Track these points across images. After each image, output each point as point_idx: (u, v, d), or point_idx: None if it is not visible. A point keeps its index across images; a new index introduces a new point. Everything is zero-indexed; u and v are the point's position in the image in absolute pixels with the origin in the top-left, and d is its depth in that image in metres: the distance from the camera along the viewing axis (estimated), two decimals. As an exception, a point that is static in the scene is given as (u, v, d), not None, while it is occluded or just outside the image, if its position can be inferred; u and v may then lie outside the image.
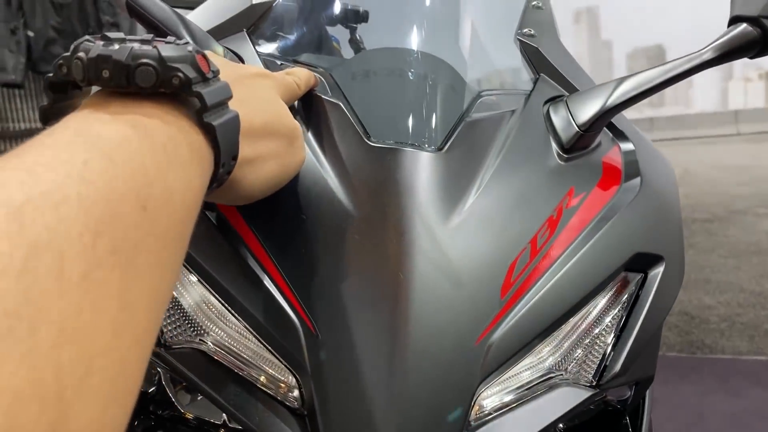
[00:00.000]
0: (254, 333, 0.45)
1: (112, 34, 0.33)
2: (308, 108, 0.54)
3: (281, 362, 0.45)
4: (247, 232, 0.47)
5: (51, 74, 0.33)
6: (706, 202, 5.72)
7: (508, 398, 0.47)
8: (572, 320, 0.50)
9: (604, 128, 0.61)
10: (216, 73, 0.35)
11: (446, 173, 0.49)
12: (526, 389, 0.47)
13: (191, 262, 0.46)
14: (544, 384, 0.48)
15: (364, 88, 0.58)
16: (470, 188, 0.50)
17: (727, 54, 0.53)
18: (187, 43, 0.34)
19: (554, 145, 0.57)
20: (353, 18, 0.74)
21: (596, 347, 0.51)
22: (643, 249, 0.54)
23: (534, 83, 0.63)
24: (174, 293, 0.47)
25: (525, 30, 0.68)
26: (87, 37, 0.33)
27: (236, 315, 0.46)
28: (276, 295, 0.45)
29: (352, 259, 0.45)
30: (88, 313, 0.22)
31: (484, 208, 0.49)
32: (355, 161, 0.49)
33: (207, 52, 0.36)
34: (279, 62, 0.61)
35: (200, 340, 0.47)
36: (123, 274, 0.24)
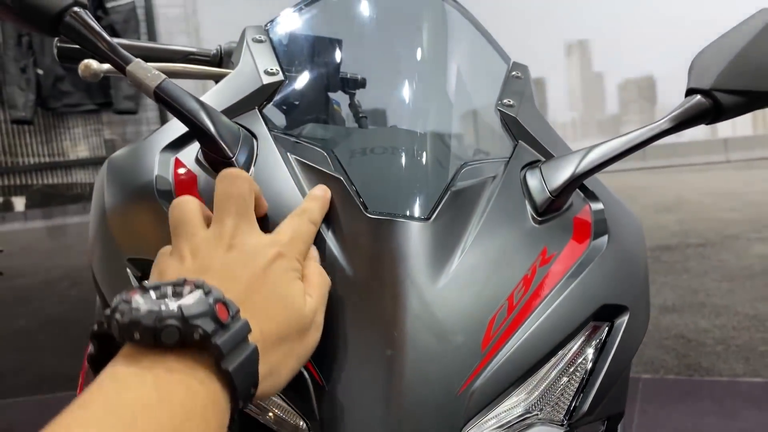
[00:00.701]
0: None
1: (148, 284, 0.39)
2: (312, 183, 0.60)
3: (293, 409, 0.51)
4: None
5: (96, 327, 0.39)
6: (699, 227, 5.78)
7: None
8: (545, 366, 0.55)
9: (577, 189, 0.67)
10: (236, 314, 0.39)
11: (433, 240, 0.55)
12: (505, 429, 0.53)
13: None
14: (521, 424, 0.54)
15: (362, 165, 0.63)
16: (455, 252, 0.56)
17: (683, 123, 0.59)
18: (210, 292, 0.38)
19: (529, 209, 0.62)
20: (352, 85, 0.82)
21: (567, 390, 0.56)
22: (609, 301, 0.59)
23: (513, 150, 0.69)
24: None
25: (505, 100, 0.75)
26: (122, 296, 0.38)
27: None
28: None
29: (354, 319, 0.51)
30: None
31: (467, 270, 0.55)
32: (354, 231, 0.55)
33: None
34: (290, 139, 0.67)
35: None
36: None
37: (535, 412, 0.54)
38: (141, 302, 0.37)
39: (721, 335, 3.05)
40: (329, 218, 0.57)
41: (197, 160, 0.63)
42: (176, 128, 0.66)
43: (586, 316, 0.57)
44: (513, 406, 0.54)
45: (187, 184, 0.61)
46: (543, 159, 0.69)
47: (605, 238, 0.64)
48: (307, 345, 0.47)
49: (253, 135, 0.64)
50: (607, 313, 0.60)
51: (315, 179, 0.60)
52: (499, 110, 0.74)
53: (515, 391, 0.54)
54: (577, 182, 0.62)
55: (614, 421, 0.62)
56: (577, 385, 0.57)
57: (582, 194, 0.69)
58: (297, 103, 0.76)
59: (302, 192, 0.59)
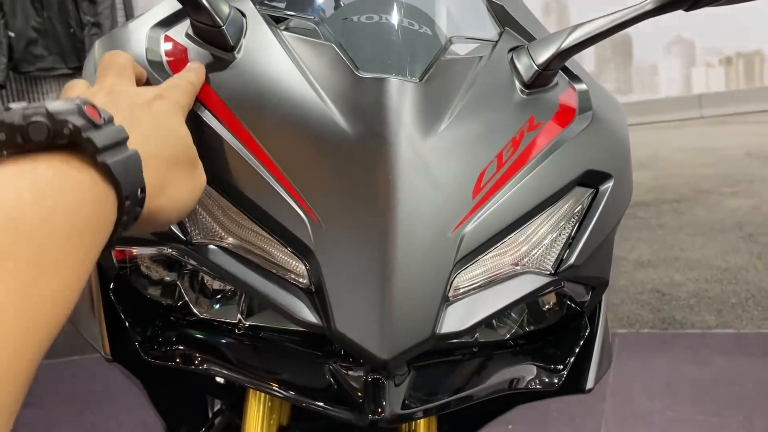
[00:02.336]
0: (268, 230, 0.53)
1: (13, 104, 0.36)
2: (303, 52, 0.60)
3: (292, 252, 0.53)
4: (257, 147, 0.54)
5: None
6: (674, 183, 5.79)
7: (479, 280, 0.55)
8: (534, 223, 0.58)
9: (561, 72, 0.68)
10: (108, 119, 0.38)
11: (425, 100, 0.56)
12: (494, 274, 0.56)
13: (214, 178, 0.54)
14: (511, 271, 0.57)
15: (353, 32, 0.64)
16: (445, 114, 0.57)
17: (664, 6, 0.59)
18: (76, 98, 0.37)
19: (517, 83, 0.63)
20: None
21: (554, 246, 0.59)
22: (594, 167, 0.61)
23: (500, 35, 0.70)
24: None
25: None
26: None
27: (251, 217, 0.54)
28: (285, 196, 0.52)
29: (347, 165, 0.53)
30: None
31: (456, 131, 0.56)
32: (348, 92, 0.56)
33: (100, 97, 0.45)
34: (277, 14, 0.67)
35: (220, 238, 0.55)
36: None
37: (523, 263, 0.57)
38: (12, 107, 0.35)
39: (694, 288, 3.06)
40: (323, 83, 0.57)
41: (187, 35, 0.62)
42: (162, 10, 0.66)
43: (571, 179, 0.59)
44: (503, 254, 0.56)
45: (177, 57, 0.61)
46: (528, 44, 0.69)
47: (590, 113, 0.65)
48: (197, 180, 0.48)
49: (242, 13, 0.63)
50: (592, 180, 0.62)
51: (306, 50, 0.60)
52: None
53: (505, 241, 0.56)
54: (563, 57, 0.62)
55: (599, 291, 0.66)
56: (564, 241, 0.60)
57: (566, 77, 0.70)
58: None
59: (295, 63, 0.58)
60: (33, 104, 0.35)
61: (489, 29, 0.72)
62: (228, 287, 0.59)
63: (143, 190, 0.39)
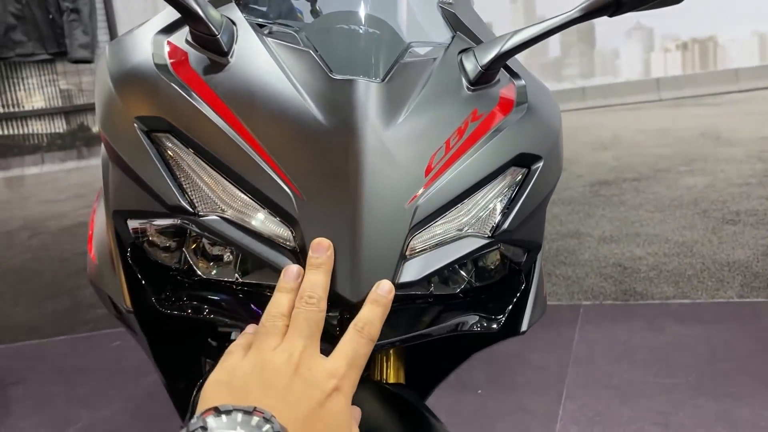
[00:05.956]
0: (260, 204, 0.62)
1: (222, 407, 0.44)
2: (286, 57, 0.69)
3: (280, 221, 0.61)
4: (249, 136, 0.62)
5: None
6: (634, 163, 5.86)
7: (430, 243, 0.64)
8: (476, 196, 0.67)
9: (503, 70, 0.77)
10: None
11: (386, 97, 0.65)
12: (443, 238, 0.64)
13: (203, 153, 0.63)
14: (456, 236, 0.65)
15: (327, 40, 0.74)
16: (402, 109, 0.66)
17: (589, 13, 0.68)
18: (270, 420, 0.44)
19: (464, 81, 0.72)
20: None
21: (493, 214, 0.68)
22: (526, 150, 0.70)
23: (452, 39, 0.78)
24: (195, 179, 0.63)
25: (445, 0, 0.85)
26: (198, 421, 0.42)
27: (246, 193, 0.62)
28: (273, 176, 0.61)
29: (323, 151, 0.61)
30: None
31: (412, 122, 0.65)
32: (323, 91, 0.65)
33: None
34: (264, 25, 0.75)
35: (221, 210, 0.63)
36: None
37: (466, 229, 0.66)
38: (214, 427, 0.42)
39: (654, 262, 3.12)
40: (303, 83, 0.66)
41: (187, 41, 0.70)
42: (163, 19, 0.74)
43: (507, 160, 0.68)
44: (450, 221, 0.65)
45: (180, 61, 0.69)
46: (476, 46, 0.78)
47: (525, 105, 0.75)
48: None
49: (232, 22, 0.72)
50: (525, 161, 0.70)
51: (288, 55, 0.69)
52: (440, 6, 0.84)
53: (452, 211, 0.65)
54: (503, 58, 0.71)
55: (534, 253, 0.77)
56: (500, 210, 0.69)
57: (508, 74, 0.79)
58: (265, 4, 0.85)
59: (279, 66, 0.67)
60: (244, 413, 0.43)
61: (443, 33, 0.81)
62: (225, 252, 0.66)
63: None
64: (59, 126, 8.75)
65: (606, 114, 11.17)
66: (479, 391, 2.05)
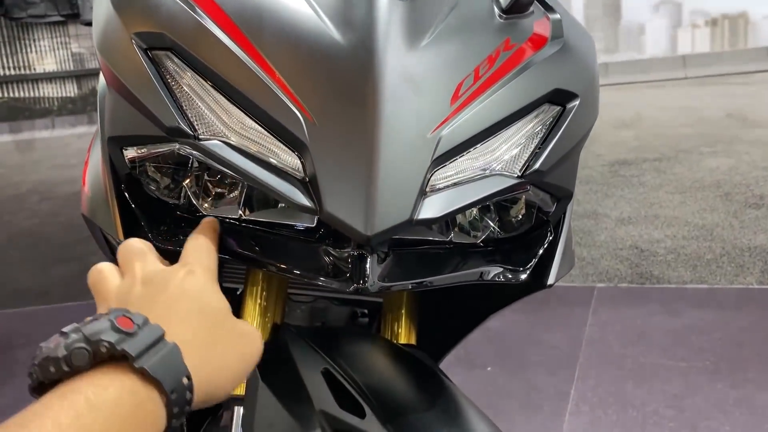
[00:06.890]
0: (267, 128, 0.57)
1: (67, 328, 0.39)
2: None
3: (288, 147, 0.57)
4: (257, 55, 0.58)
5: (31, 383, 0.40)
6: (656, 143, 5.78)
7: (453, 179, 0.59)
8: (505, 131, 0.62)
9: (537, 3, 0.72)
10: (143, 323, 0.40)
11: (409, 17, 0.60)
12: (467, 176, 0.60)
13: (206, 73, 0.58)
14: (482, 174, 0.61)
15: None
16: (427, 31, 0.61)
17: None
18: (109, 312, 0.40)
19: (496, 9, 0.67)
20: None
21: (523, 153, 0.63)
22: (562, 86, 0.65)
23: None
24: (197, 101, 0.59)
25: None
26: (42, 344, 0.39)
27: (252, 116, 0.58)
28: (282, 98, 0.56)
29: (339, 72, 0.57)
30: None
31: (438, 46, 0.61)
32: (340, 5, 0.60)
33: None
34: None
35: (224, 136, 0.59)
36: None
37: (494, 165, 0.61)
38: (51, 339, 0.39)
39: (672, 245, 3.09)
40: (318, 2, 0.61)
41: None
42: None
43: (541, 95, 0.63)
44: (476, 157, 0.60)
45: None
46: None
47: (561, 39, 0.69)
48: (247, 344, 0.50)
49: None
50: (560, 98, 0.65)
51: None
52: None
53: (479, 147, 0.60)
54: None
55: (564, 203, 0.71)
56: (531, 150, 0.63)
57: (542, 8, 0.73)
58: None
59: None
60: (68, 327, 0.39)
61: None
62: (228, 186, 0.63)
63: (189, 377, 0.41)
64: (70, 90, 8.77)
65: (629, 91, 10.99)
66: (488, 369, 2.05)
